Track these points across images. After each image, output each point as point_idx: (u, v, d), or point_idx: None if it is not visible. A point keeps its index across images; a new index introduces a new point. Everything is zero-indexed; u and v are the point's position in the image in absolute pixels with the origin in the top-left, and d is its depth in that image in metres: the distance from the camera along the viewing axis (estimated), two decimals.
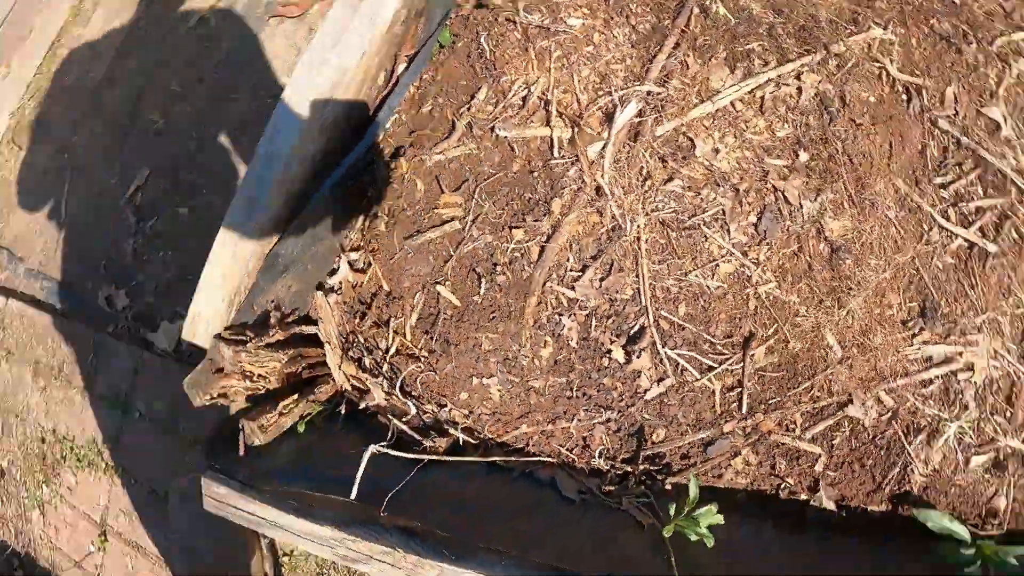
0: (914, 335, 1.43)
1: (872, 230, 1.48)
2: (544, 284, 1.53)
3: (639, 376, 1.52)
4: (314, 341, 1.58)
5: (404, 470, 1.34)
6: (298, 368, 1.50)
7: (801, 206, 1.51)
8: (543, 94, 1.56)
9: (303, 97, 1.41)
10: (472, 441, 1.50)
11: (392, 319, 1.58)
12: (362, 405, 1.52)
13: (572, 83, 1.56)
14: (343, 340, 1.61)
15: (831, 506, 1.45)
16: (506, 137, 1.55)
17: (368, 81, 1.53)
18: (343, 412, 1.54)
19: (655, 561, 1.32)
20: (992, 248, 1.42)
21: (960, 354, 1.40)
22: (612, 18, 1.60)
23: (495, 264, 1.55)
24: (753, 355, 1.49)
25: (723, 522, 1.35)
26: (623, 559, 1.31)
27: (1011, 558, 1.22)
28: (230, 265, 1.42)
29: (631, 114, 1.54)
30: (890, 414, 1.42)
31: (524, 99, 1.56)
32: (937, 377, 1.41)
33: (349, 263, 1.61)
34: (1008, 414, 1.37)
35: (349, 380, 1.56)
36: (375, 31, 1.43)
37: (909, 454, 1.39)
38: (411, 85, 1.60)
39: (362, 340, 1.60)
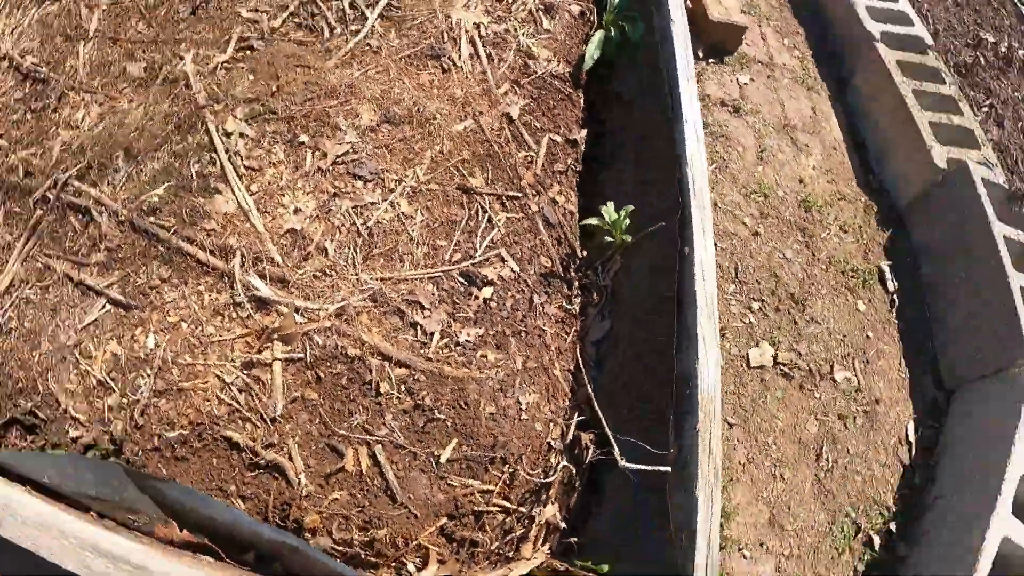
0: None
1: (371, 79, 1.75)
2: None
3: (495, 276, 1.72)
4: None
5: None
6: None
7: (346, 135, 1.71)
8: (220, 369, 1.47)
9: None
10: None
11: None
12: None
13: (201, 358, 1.49)
14: None
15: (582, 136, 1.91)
16: (276, 415, 1.47)
17: None
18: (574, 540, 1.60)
19: None
20: None
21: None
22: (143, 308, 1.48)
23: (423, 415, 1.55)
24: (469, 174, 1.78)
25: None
26: None
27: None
28: None
29: (265, 290, 1.54)
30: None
31: (237, 395, 1.46)
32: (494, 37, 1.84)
33: None
34: (546, 26, 1.89)
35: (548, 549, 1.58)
36: None
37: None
38: None
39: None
